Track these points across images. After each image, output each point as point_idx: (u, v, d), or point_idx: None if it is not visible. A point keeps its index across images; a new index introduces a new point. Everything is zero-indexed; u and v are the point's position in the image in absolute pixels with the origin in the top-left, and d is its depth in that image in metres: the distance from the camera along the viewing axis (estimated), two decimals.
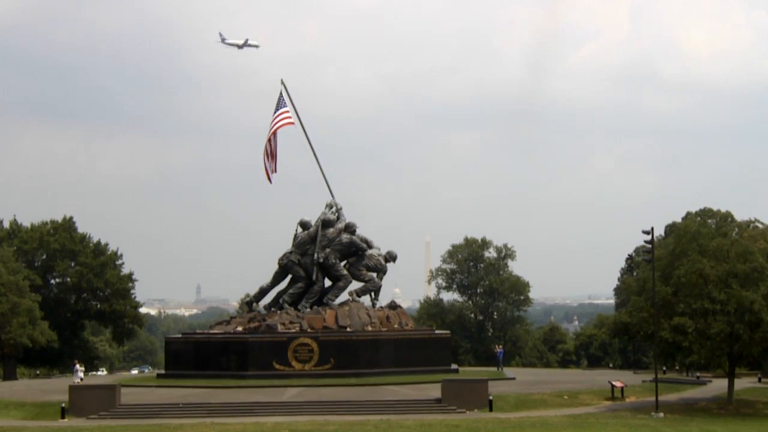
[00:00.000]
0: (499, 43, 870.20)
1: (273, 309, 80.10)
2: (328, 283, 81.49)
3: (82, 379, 73.13)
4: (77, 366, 74.63)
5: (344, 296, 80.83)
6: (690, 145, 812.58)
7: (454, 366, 79.68)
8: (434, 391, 60.92)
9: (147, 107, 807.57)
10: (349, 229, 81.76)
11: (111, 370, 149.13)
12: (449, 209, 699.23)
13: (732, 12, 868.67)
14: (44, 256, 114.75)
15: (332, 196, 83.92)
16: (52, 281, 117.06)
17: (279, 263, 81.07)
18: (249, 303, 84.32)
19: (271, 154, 79.31)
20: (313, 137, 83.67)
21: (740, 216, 72.05)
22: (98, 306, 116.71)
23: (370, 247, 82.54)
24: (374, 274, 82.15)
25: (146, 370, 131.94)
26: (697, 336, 60.39)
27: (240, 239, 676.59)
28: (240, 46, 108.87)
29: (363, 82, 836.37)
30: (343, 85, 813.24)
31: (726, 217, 73.63)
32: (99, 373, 76.93)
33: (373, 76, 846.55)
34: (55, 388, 71.19)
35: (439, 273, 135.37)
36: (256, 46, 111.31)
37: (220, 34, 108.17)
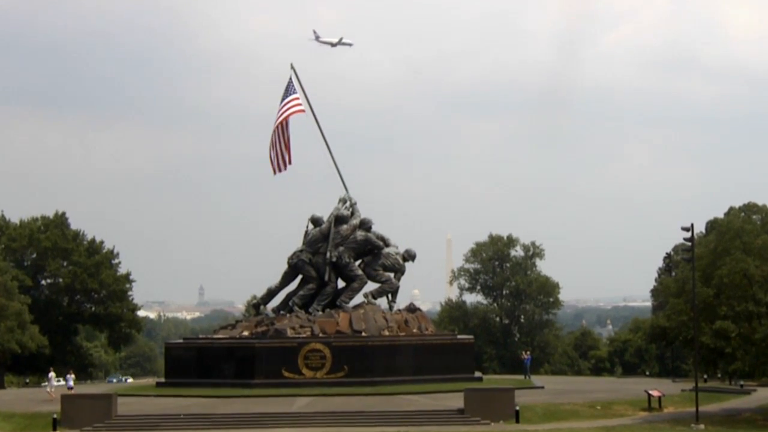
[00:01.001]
0: (526, 24, 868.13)
1: (282, 312, 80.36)
2: (341, 284, 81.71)
3: (72, 388, 73.38)
4: (51, 374, 74.67)
5: (359, 298, 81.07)
6: (733, 135, 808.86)
7: (477, 374, 79.82)
8: (456, 401, 61.09)
9: (146, 95, 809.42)
10: (365, 225, 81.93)
11: (105, 378, 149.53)
12: (472, 204, 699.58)
13: None
14: (34, 255, 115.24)
15: (346, 190, 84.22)
16: (43, 282, 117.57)
17: (288, 262, 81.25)
18: (256, 305, 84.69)
19: (284, 144, 79.53)
20: (325, 126, 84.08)
21: None
22: (93, 309, 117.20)
23: (386, 245, 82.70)
24: (391, 275, 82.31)
25: (114, 380, 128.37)
26: (740, 341, 60.46)
27: (246, 237, 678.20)
28: (334, 45, 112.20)
29: (379, 67, 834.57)
30: (357, 71, 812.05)
31: None
32: (55, 383, 76.23)
33: (390, 61, 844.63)
34: (46, 397, 71.51)
35: (462, 273, 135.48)
36: (350, 44, 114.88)
37: (314, 32, 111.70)
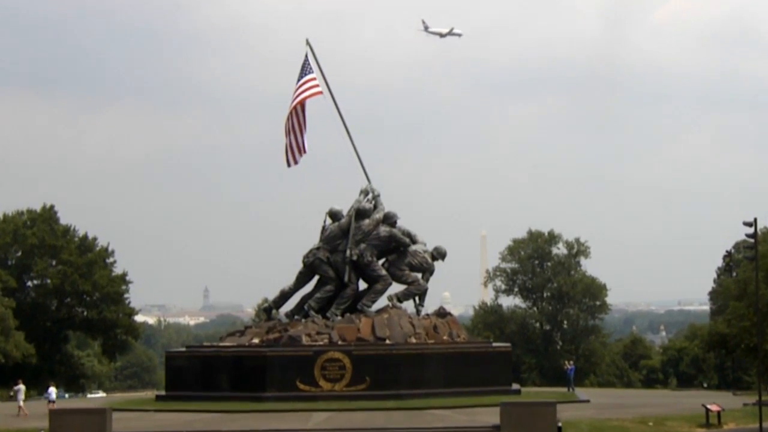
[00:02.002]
0: None
1: (296, 317, 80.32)
2: (363, 285, 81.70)
3: (53, 402, 73.46)
4: (20, 386, 74.44)
5: (382, 301, 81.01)
6: None
7: (515, 386, 79.88)
8: (491, 416, 60.99)
9: (145, 74, 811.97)
10: (389, 220, 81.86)
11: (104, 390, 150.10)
12: (509, 196, 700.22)
13: None
14: (19, 254, 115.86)
15: (368, 180, 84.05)
16: (29, 283, 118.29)
17: (304, 262, 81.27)
18: (267, 310, 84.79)
19: (299, 130, 79.42)
20: (345, 109, 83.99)
21: None
22: (85, 313, 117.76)
23: (414, 242, 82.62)
24: (419, 275, 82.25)
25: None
26: None
27: (257, 233, 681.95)
28: (443, 35, 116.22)
29: (405, 43, 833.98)
30: (381, 47, 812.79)
31: None
32: (22, 396, 75.34)
33: (417, 36, 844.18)
34: (32, 412, 71.77)
35: (498, 273, 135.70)
36: (459, 35, 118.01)
37: (423, 22, 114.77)
